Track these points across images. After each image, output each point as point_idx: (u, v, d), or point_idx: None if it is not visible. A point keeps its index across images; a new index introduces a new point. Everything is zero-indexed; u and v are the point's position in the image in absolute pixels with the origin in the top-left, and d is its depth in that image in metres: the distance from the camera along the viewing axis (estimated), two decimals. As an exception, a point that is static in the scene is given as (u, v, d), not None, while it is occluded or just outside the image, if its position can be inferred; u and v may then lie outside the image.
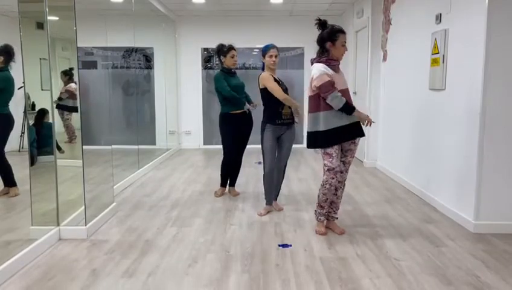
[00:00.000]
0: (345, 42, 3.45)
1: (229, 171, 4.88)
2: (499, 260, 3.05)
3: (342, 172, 3.54)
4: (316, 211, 3.64)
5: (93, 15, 4.44)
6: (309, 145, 3.57)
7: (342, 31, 3.44)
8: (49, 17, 3.33)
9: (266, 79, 4.05)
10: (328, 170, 3.46)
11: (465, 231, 3.64)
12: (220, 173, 4.93)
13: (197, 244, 3.37)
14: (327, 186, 3.48)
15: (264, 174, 4.24)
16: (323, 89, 3.33)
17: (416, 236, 3.53)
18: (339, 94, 3.33)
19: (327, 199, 3.54)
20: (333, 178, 3.45)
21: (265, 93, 4.11)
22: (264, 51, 4.16)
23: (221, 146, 4.79)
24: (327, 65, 3.40)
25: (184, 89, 8.81)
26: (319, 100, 3.41)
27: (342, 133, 3.41)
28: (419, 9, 4.85)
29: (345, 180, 3.61)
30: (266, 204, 4.25)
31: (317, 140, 3.46)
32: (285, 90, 4.16)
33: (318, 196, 3.58)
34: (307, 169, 6.51)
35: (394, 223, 3.88)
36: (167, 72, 8.08)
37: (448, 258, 3.07)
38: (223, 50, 4.61)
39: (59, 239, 3.43)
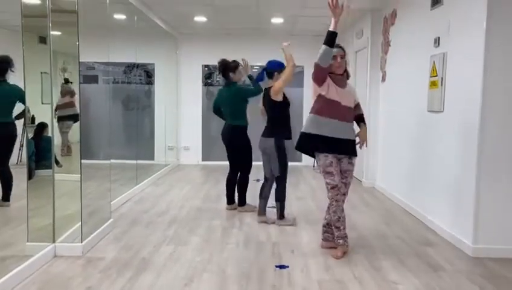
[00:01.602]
0: (336, 55, 3.41)
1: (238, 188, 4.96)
2: (497, 285, 3.02)
3: (344, 194, 3.56)
4: (326, 233, 3.70)
5: (96, 31, 4.49)
6: (297, 147, 3.65)
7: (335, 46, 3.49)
8: (52, 32, 3.35)
9: (276, 85, 4.21)
10: (331, 188, 3.48)
11: (463, 254, 3.62)
12: (240, 192, 4.95)
13: (193, 263, 3.34)
14: (334, 203, 3.49)
15: (282, 192, 4.39)
16: (314, 70, 3.36)
17: (414, 259, 3.51)
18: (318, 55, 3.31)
19: (339, 217, 3.51)
20: (338, 194, 3.47)
21: (279, 106, 4.28)
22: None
23: (222, 163, 4.89)
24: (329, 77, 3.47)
25: (184, 104, 8.85)
26: (317, 101, 3.49)
27: (338, 145, 3.46)
28: (418, 32, 4.91)
29: (343, 203, 3.60)
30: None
31: (308, 142, 3.53)
32: (288, 105, 4.27)
33: (330, 220, 3.58)
34: (305, 187, 6.50)
35: (392, 244, 3.86)
36: (168, 88, 8.13)
37: (446, 282, 3.05)
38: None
39: (54, 256, 3.40)
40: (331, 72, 3.45)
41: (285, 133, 4.28)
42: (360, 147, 3.62)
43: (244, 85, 5.03)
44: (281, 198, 4.39)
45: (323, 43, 3.27)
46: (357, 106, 3.68)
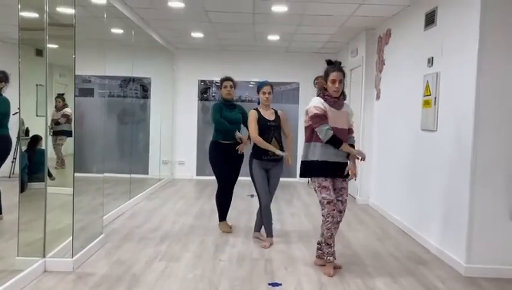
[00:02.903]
0: (335, 79, 3.44)
1: (223, 203, 4.82)
2: (490, 305, 3.02)
3: (340, 211, 3.55)
4: (320, 250, 3.66)
5: (93, 44, 4.51)
6: (302, 174, 3.63)
7: (333, 69, 3.48)
8: (49, 45, 3.36)
9: (250, 116, 4.26)
10: (327, 203, 3.46)
11: (456, 273, 3.61)
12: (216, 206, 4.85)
13: (185, 280, 3.31)
14: (329, 219, 3.47)
15: (261, 210, 4.32)
16: (312, 121, 3.46)
17: (407, 277, 3.49)
18: (326, 127, 3.38)
19: (332, 234, 3.50)
20: (334, 210, 3.46)
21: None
22: (259, 87, 4.35)
23: (213, 177, 4.77)
24: (324, 100, 3.49)
25: (179, 119, 8.87)
26: (313, 130, 3.50)
27: (334, 168, 3.48)
28: (411, 52, 4.98)
29: (339, 222, 3.59)
30: (268, 236, 4.29)
31: (310, 169, 3.53)
32: (276, 127, 4.22)
33: (322, 234, 3.57)
34: (299, 203, 6.48)
35: (385, 263, 3.85)
36: (163, 102, 8.15)
37: (439, 302, 3.04)
38: (220, 81, 4.75)
39: (44, 271, 3.35)
40: (328, 94, 3.50)
41: (257, 154, 4.20)
42: (350, 179, 3.61)
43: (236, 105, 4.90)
44: (261, 214, 4.32)
45: (331, 141, 3.39)
46: (350, 130, 3.65)
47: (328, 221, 3.48)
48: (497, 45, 3.51)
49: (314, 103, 3.49)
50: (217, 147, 4.65)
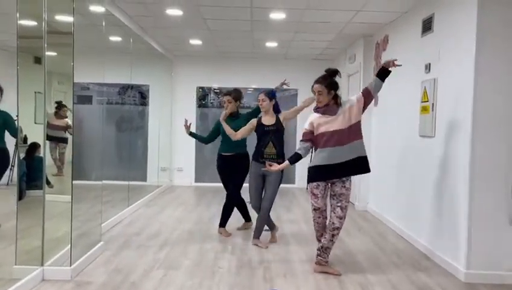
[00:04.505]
0: (314, 91, 3.63)
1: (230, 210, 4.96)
2: (490, 312, 3.01)
3: (340, 218, 3.58)
4: (320, 257, 3.74)
5: (91, 52, 4.52)
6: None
7: (315, 81, 3.68)
8: (48, 53, 3.37)
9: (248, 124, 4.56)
10: (314, 209, 3.68)
11: (456, 280, 3.60)
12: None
13: (184, 288, 3.29)
14: (315, 224, 3.75)
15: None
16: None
17: (407, 284, 3.48)
18: (300, 148, 3.69)
19: (320, 234, 3.73)
20: (319, 217, 3.67)
21: (255, 133, 4.52)
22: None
23: (213, 184, 4.96)
24: (317, 112, 3.69)
25: (178, 126, 8.85)
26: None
27: (330, 170, 3.58)
28: (409, 58, 4.98)
29: (339, 228, 3.61)
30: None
31: (308, 175, 3.74)
32: (275, 131, 4.40)
33: (324, 243, 3.72)
34: (298, 210, 6.47)
35: (385, 270, 3.84)
36: (162, 109, 8.16)
37: (439, 309, 3.03)
38: None
39: (42, 280, 3.33)
40: (317, 106, 3.70)
41: (255, 155, 4.49)
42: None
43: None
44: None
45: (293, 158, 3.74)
46: (365, 90, 3.74)
47: (314, 225, 3.74)
48: (495, 50, 3.53)
49: (307, 121, 3.76)
50: (218, 159, 4.94)
